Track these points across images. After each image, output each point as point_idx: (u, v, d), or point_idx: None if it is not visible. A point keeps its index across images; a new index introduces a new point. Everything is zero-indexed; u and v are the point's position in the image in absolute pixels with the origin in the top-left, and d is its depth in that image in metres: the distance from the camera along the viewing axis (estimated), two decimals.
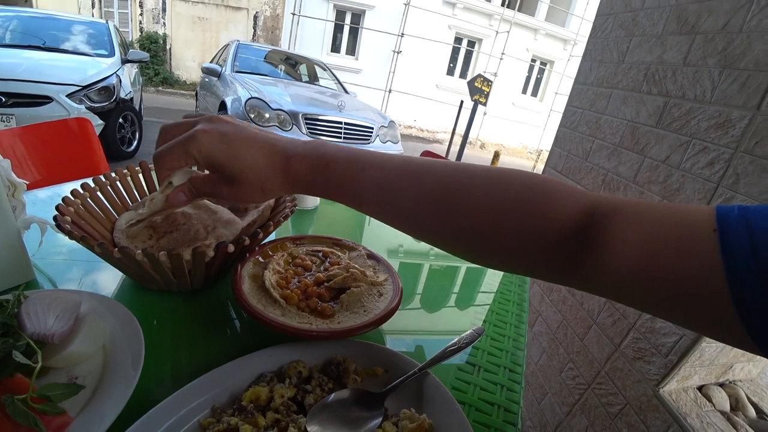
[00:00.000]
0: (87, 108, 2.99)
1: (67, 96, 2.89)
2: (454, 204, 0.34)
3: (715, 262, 0.23)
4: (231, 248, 0.44)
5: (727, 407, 1.04)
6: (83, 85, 3.02)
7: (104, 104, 3.18)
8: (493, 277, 0.78)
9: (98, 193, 0.52)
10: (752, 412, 1.04)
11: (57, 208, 0.45)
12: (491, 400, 0.45)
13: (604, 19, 1.48)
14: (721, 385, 1.09)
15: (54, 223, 0.43)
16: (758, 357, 1.11)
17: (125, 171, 0.57)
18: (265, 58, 5.04)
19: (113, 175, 0.55)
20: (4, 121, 2.68)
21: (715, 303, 0.24)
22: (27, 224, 0.47)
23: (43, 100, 2.80)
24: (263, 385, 0.36)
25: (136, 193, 0.59)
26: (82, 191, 0.50)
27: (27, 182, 0.46)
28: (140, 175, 0.60)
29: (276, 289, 0.46)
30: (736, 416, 1.00)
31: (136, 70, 4.57)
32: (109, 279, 0.53)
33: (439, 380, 0.40)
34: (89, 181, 0.52)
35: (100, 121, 3.13)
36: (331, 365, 0.40)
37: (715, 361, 1.01)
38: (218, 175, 0.38)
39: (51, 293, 0.44)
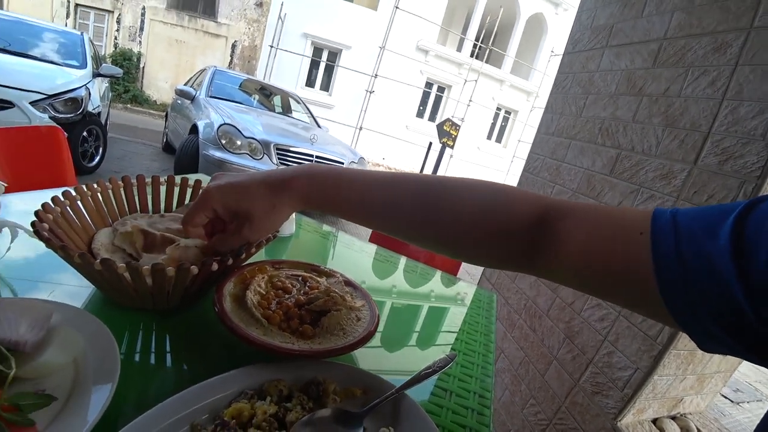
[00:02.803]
0: (50, 117, 2.86)
1: (30, 103, 2.76)
2: (434, 207, 0.41)
3: (643, 258, 0.29)
4: (215, 266, 0.45)
5: None
6: (50, 93, 2.90)
7: (69, 116, 3.05)
8: (456, 316, 0.78)
9: (78, 203, 0.51)
10: None
11: (36, 213, 0.44)
12: (463, 423, 0.46)
13: (564, 77, 1.64)
14: (674, 417, 1.15)
15: (28, 228, 0.42)
16: (705, 390, 1.18)
17: (108, 184, 0.57)
18: (240, 86, 5.08)
19: (95, 186, 0.55)
20: None
21: (643, 290, 0.29)
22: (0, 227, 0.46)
23: (5, 104, 2.66)
24: (244, 402, 0.36)
25: (116, 208, 0.58)
26: (62, 199, 0.49)
27: (5, 184, 0.45)
28: (122, 190, 0.59)
29: (258, 308, 0.46)
30: None
31: (107, 85, 4.46)
32: (75, 293, 0.50)
33: (415, 401, 0.41)
34: (71, 189, 0.51)
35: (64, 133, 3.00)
36: (311, 385, 0.40)
37: (666, 393, 1.07)
38: (236, 220, 0.46)
39: (22, 301, 0.42)
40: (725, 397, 2.32)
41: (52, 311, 0.40)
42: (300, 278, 0.58)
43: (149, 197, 0.63)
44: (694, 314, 0.27)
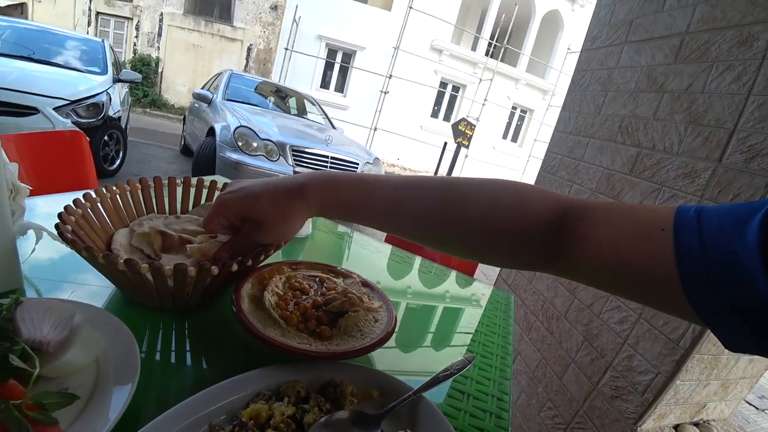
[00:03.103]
0: (73, 123, 2.95)
1: (54, 109, 2.85)
2: (450, 214, 0.41)
3: (665, 254, 0.28)
4: (235, 267, 0.45)
5: None
6: (72, 99, 2.99)
7: (91, 120, 3.14)
8: (471, 317, 0.78)
9: (98, 204, 0.52)
10: None
11: (59, 216, 0.45)
12: (481, 426, 0.45)
13: (582, 74, 1.61)
14: (696, 424, 1.12)
15: (52, 231, 0.43)
16: (729, 396, 1.14)
17: (126, 186, 0.58)
18: (255, 89, 5.15)
19: (114, 188, 0.56)
20: None
21: (666, 289, 0.28)
22: (24, 230, 0.47)
23: (29, 111, 2.76)
24: (262, 403, 0.36)
25: (133, 209, 0.59)
26: (83, 201, 0.50)
27: (30, 187, 0.46)
28: (139, 192, 0.60)
29: (276, 309, 0.47)
30: None
31: (127, 90, 4.57)
32: (96, 293, 0.52)
33: (433, 404, 0.41)
34: (91, 192, 0.52)
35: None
36: (328, 387, 0.40)
37: (689, 399, 1.04)
38: (248, 225, 0.45)
39: (45, 301, 0.43)
40: (750, 404, 2.24)
41: (75, 311, 0.41)
42: (317, 279, 0.58)
43: (166, 198, 0.64)
44: (719, 312, 0.26)
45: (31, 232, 0.50)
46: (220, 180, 0.97)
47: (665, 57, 1.22)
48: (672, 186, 1.09)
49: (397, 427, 0.38)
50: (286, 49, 9.49)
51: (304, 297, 0.52)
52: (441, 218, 0.41)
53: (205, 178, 0.69)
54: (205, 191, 0.68)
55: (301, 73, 10.01)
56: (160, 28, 10.17)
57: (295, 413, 0.36)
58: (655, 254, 0.29)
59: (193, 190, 0.68)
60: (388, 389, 0.42)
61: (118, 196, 0.57)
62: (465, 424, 0.45)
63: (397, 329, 0.66)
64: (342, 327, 0.47)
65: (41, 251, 0.56)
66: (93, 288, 0.52)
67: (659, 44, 1.25)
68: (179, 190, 0.66)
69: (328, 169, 3.62)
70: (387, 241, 1.14)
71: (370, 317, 0.51)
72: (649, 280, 0.30)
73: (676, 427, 1.09)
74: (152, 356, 0.43)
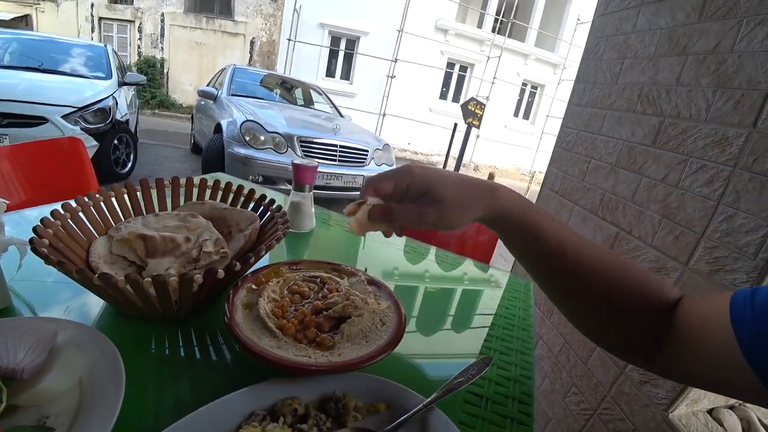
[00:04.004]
0: (82, 129, 2.98)
1: (62, 117, 2.87)
2: (597, 289, 0.41)
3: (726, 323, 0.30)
4: (221, 274, 0.41)
5: (739, 431, 1.00)
6: (79, 106, 3.01)
7: (99, 126, 3.16)
8: (491, 298, 0.76)
9: (80, 214, 0.49)
10: None
11: (35, 230, 0.42)
12: None
13: (596, 42, 1.51)
14: (732, 408, 1.06)
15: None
16: None
17: (110, 191, 0.55)
18: (261, 82, 5.10)
19: (97, 195, 0.53)
20: None
21: (731, 364, 0.29)
22: (5, 246, 0.44)
23: (39, 121, 2.78)
24: (255, 425, 0.32)
25: (120, 214, 0.56)
26: (62, 212, 0.47)
27: (7, 202, 0.44)
28: (125, 196, 0.57)
29: (271, 318, 0.43)
30: None
31: (133, 92, 4.58)
32: (91, 305, 0.49)
33: (446, 416, 0.37)
34: (71, 201, 0.49)
35: (95, 143, 3.12)
36: (329, 402, 0.37)
37: None
38: (422, 201, 0.42)
39: (25, 322, 0.41)
40: None
41: (57, 331, 0.38)
42: (318, 280, 0.54)
43: (155, 201, 0.61)
44: None
45: (14, 248, 0.48)
46: (224, 177, 0.94)
47: (687, 16, 1.12)
48: (701, 156, 1.01)
49: None
50: (289, 39, 9.38)
51: (303, 302, 0.48)
52: (608, 286, 0.40)
53: (195, 177, 0.65)
54: (195, 190, 0.65)
55: (305, 63, 9.90)
56: (162, 28, 10.17)
57: None
58: (717, 320, 0.31)
59: (183, 191, 0.65)
60: (396, 401, 0.38)
61: (102, 203, 0.54)
62: None
63: (416, 313, 0.64)
64: (345, 334, 0.43)
65: (34, 264, 0.54)
66: (89, 298, 0.49)
67: (680, 3, 1.15)
68: (168, 192, 0.63)
69: (338, 157, 3.57)
70: None
71: (376, 320, 0.47)
72: (714, 348, 0.31)
73: (710, 411, 1.03)
74: (142, 371, 0.40)
